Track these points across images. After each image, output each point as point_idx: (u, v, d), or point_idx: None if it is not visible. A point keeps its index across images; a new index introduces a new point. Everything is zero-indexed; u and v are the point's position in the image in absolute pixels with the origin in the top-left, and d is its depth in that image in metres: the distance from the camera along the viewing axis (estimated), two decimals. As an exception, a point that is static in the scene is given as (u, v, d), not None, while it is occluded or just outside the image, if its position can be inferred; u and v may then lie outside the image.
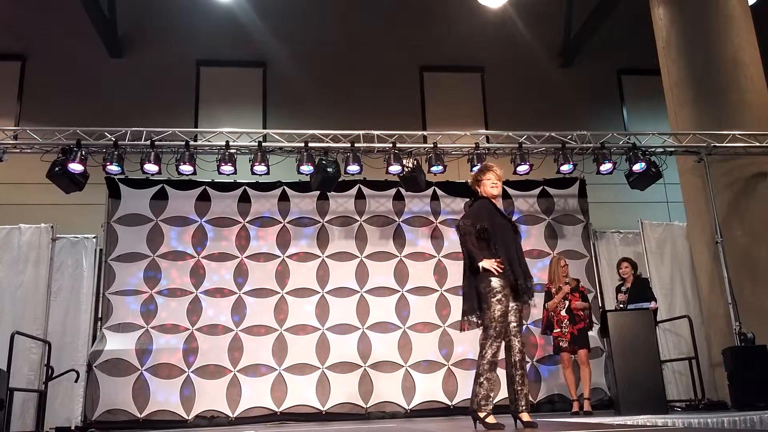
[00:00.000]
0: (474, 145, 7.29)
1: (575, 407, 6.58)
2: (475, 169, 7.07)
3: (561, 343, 6.53)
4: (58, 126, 6.97)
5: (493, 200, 4.43)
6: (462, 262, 4.36)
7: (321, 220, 8.01)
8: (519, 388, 4.12)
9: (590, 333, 6.78)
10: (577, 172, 7.64)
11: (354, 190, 8.12)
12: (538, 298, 7.75)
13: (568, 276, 6.75)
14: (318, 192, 7.82)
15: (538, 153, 7.48)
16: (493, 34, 9.95)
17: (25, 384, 6.89)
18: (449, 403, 7.50)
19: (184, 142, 6.92)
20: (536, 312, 7.76)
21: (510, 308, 4.15)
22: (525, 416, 4.10)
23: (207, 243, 7.80)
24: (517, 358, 4.15)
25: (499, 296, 4.07)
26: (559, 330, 6.55)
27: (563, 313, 6.56)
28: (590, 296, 7.23)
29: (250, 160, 7.03)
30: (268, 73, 9.78)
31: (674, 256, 8.38)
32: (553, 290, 6.66)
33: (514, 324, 4.18)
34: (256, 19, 9.51)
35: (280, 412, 7.29)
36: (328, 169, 7.02)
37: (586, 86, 10.17)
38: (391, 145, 7.17)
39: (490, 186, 4.40)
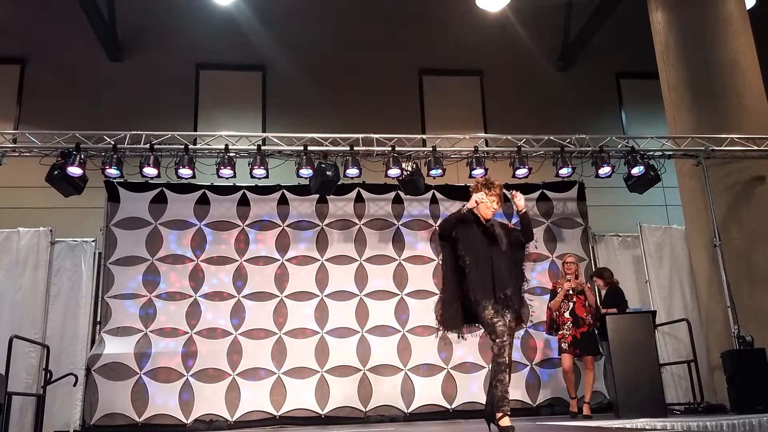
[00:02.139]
0: (473, 149, 7.30)
1: (573, 406, 6.58)
2: (477, 173, 7.07)
3: (562, 345, 6.53)
4: (57, 129, 6.96)
5: (482, 216, 4.54)
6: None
7: (320, 224, 8.01)
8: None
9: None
10: (575, 176, 7.64)
11: (353, 194, 8.12)
12: (539, 302, 7.80)
13: (578, 275, 6.73)
14: (317, 195, 7.81)
15: (536, 156, 7.49)
16: (492, 38, 9.97)
17: (24, 388, 6.87)
18: (448, 407, 7.50)
19: (183, 146, 6.92)
20: (535, 315, 7.74)
21: (499, 312, 4.28)
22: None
23: (206, 246, 7.80)
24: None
25: (483, 303, 4.26)
26: (561, 332, 6.55)
27: (567, 315, 6.55)
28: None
29: (249, 164, 7.04)
30: (267, 77, 9.79)
31: (673, 259, 8.39)
32: (559, 289, 6.67)
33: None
34: (256, 23, 9.52)
35: (279, 416, 7.28)
36: (327, 173, 7.02)
37: (584, 90, 10.19)
38: (390, 148, 7.17)
39: (485, 208, 4.53)
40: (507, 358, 4.16)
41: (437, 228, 4.69)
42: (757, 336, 6.60)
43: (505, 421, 4.09)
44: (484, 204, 4.52)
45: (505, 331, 4.21)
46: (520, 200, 4.58)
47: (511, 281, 4.38)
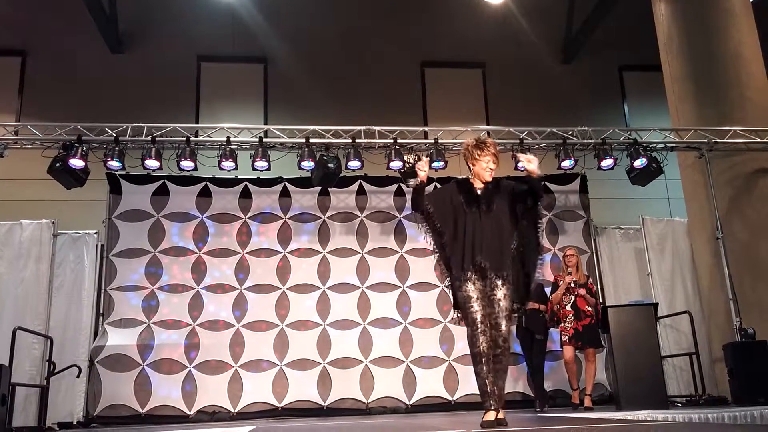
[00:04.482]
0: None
1: (575, 397, 6.59)
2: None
3: (564, 337, 6.54)
4: (59, 122, 6.97)
5: (480, 180, 3.96)
6: None
7: (322, 216, 8.02)
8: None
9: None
10: (578, 168, 7.64)
11: (355, 186, 8.12)
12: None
13: (579, 268, 6.73)
14: (319, 188, 7.82)
15: (539, 149, 7.48)
16: (494, 30, 9.94)
17: (27, 379, 6.90)
18: (450, 399, 7.52)
19: (185, 138, 6.92)
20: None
21: (477, 295, 3.76)
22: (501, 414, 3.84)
23: (208, 239, 7.81)
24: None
25: (458, 281, 3.78)
26: (563, 325, 6.55)
27: (568, 308, 6.55)
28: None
29: (251, 156, 7.03)
30: (269, 69, 9.78)
31: (675, 251, 8.38)
32: (560, 282, 6.67)
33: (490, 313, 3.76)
34: (257, 15, 9.50)
35: (281, 407, 7.31)
36: (329, 165, 7.02)
37: (587, 82, 10.17)
38: (392, 140, 7.17)
39: (482, 170, 3.93)
40: (481, 347, 3.65)
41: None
42: (759, 328, 6.60)
43: (487, 416, 3.64)
44: (481, 166, 3.94)
45: (477, 318, 3.68)
46: (531, 164, 3.85)
47: (499, 244, 3.77)
